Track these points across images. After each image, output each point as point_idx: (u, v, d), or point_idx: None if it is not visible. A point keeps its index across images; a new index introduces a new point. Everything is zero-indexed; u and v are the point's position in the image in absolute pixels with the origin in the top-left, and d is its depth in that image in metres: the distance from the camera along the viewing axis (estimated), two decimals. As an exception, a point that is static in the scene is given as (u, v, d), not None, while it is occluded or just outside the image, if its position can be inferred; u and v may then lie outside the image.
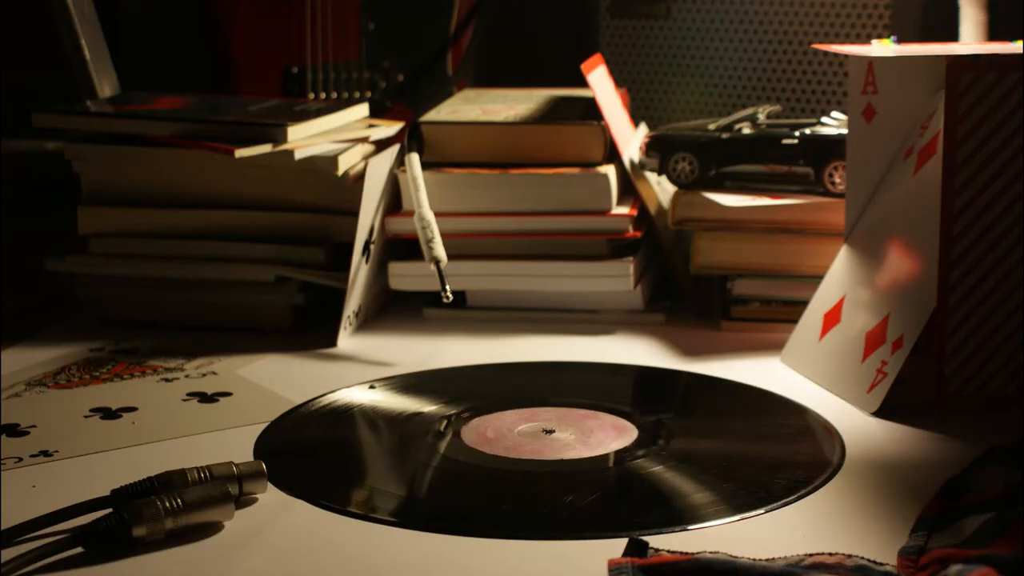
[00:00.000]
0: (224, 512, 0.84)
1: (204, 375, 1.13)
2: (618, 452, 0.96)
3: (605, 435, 0.98)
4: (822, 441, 0.99)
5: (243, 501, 0.87)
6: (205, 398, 1.07)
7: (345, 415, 1.05)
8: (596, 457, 0.95)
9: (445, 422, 1.02)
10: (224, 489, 0.84)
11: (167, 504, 0.81)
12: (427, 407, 1.05)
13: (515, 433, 0.99)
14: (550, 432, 0.99)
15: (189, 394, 1.08)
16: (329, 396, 1.08)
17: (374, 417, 1.05)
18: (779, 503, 0.87)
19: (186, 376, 1.12)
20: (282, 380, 1.13)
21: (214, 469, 0.87)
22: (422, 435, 0.99)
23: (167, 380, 1.11)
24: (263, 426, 1.01)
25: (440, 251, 1.20)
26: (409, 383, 1.11)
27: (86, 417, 1.03)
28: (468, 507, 0.88)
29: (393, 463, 0.98)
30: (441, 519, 0.85)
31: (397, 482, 0.94)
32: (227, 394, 1.08)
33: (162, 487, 0.85)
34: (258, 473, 0.88)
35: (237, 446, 0.98)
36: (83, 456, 0.96)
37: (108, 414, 1.04)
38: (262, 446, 0.98)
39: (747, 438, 1.00)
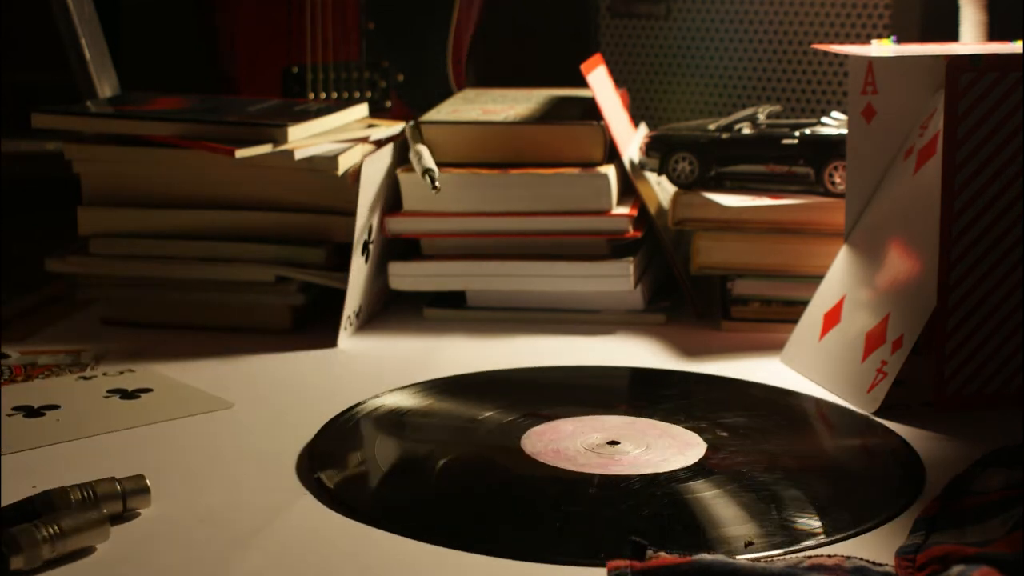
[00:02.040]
0: (101, 534, 0.82)
1: (121, 372, 1.12)
2: (687, 470, 0.91)
3: (672, 448, 0.94)
4: (892, 469, 0.95)
5: (126, 516, 0.86)
6: (126, 395, 1.07)
7: (397, 421, 1.02)
8: (664, 474, 0.90)
9: (507, 431, 0.98)
10: (102, 513, 0.82)
11: (45, 532, 0.79)
12: (484, 412, 1.02)
13: (579, 445, 0.95)
14: (614, 444, 0.95)
15: (110, 391, 1.08)
16: (374, 401, 1.05)
17: (429, 424, 1.02)
18: (829, 541, 0.82)
19: (104, 374, 1.12)
20: (283, 380, 1.13)
21: (97, 487, 0.85)
22: (485, 447, 0.96)
23: (85, 379, 1.11)
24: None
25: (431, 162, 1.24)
26: (459, 385, 1.09)
27: (9, 416, 1.02)
28: (531, 531, 0.84)
29: (448, 477, 0.93)
30: (492, 541, 0.82)
31: (457, 504, 0.89)
32: (148, 390, 1.08)
33: (43, 508, 0.82)
34: (142, 489, 0.86)
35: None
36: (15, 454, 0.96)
37: (31, 412, 1.03)
38: (316, 454, 0.95)
39: (817, 459, 0.96)
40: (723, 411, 1.03)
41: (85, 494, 0.84)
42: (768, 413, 1.04)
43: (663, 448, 0.95)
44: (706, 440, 0.96)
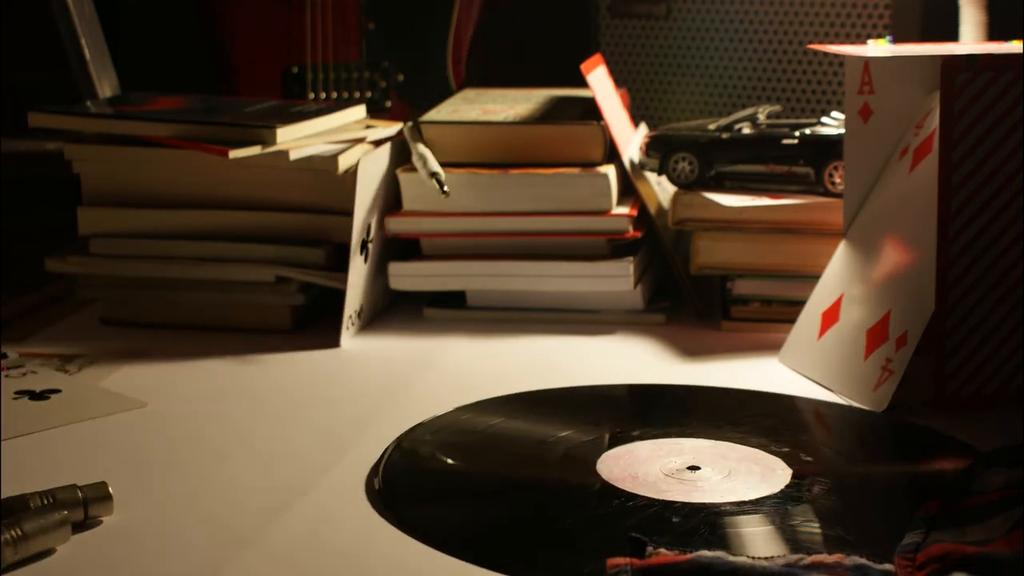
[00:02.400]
0: (62, 536, 0.81)
1: (24, 374, 1.12)
2: (774, 498, 0.87)
3: (755, 475, 0.90)
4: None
5: (88, 524, 0.84)
6: (35, 396, 1.07)
7: (468, 437, 0.98)
8: (750, 502, 0.86)
9: (581, 454, 0.93)
10: (64, 515, 0.81)
11: (9, 535, 0.78)
12: (556, 432, 0.97)
13: (658, 470, 0.90)
14: (695, 469, 0.91)
15: (17, 392, 1.07)
16: (442, 418, 1.02)
17: (500, 445, 0.97)
18: None
19: (6, 375, 1.11)
20: (285, 381, 1.13)
21: (58, 494, 0.83)
22: (560, 471, 0.91)
23: None
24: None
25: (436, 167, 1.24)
26: (529, 402, 1.05)
27: None
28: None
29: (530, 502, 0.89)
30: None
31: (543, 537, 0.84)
32: (56, 391, 1.08)
33: (3, 513, 0.81)
34: (103, 496, 0.85)
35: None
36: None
37: None
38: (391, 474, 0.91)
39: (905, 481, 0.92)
40: (803, 433, 1.00)
41: (45, 500, 0.83)
42: (850, 435, 1.01)
43: (746, 474, 0.90)
44: (791, 465, 0.91)
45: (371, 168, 1.23)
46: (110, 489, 0.85)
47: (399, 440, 0.97)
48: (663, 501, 0.86)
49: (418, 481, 0.92)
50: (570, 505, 0.87)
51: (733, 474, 0.90)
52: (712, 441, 0.96)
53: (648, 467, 0.91)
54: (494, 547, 0.81)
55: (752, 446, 0.95)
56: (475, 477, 0.93)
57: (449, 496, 0.90)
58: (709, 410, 1.06)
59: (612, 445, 0.95)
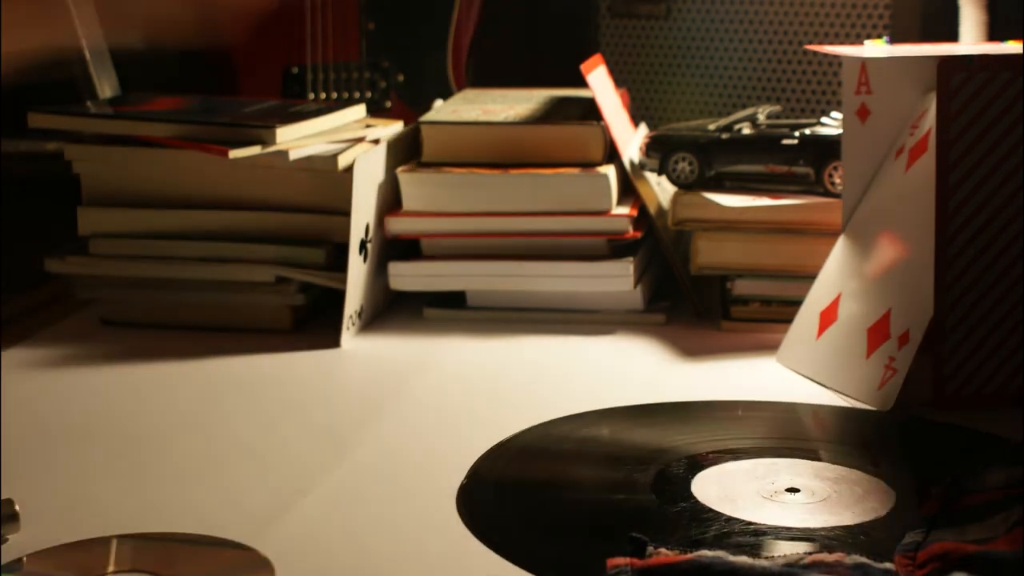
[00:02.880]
0: None
1: None
2: (878, 523, 0.82)
3: (854, 497, 0.86)
4: None
5: None
6: None
7: (558, 453, 0.95)
8: (856, 526, 0.82)
9: (676, 473, 0.89)
10: None
11: None
12: (650, 449, 0.94)
13: (755, 492, 0.86)
14: (794, 491, 0.87)
15: None
16: (536, 430, 0.99)
17: (592, 461, 0.93)
18: None
19: None
20: (285, 381, 1.13)
21: None
22: (653, 492, 0.87)
23: None
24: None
25: None
26: (624, 416, 1.02)
27: None
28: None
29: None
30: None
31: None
32: None
33: None
34: (11, 515, 0.83)
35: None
36: None
37: None
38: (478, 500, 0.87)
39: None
40: (908, 455, 0.96)
41: None
42: (953, 452, 0.96)
43: (846, 495, 0.86)
44: (894, 488, 0.87)
45: (367, 168, 1.23)
46: (16, 507, 0.83)
47: (489, 452, 0.94)
48: (763, 525, 0.82)
49: (504, 497, 0.88)
50: (663, 530, 0.82)
51: (833, 497, 0.86)
52: (809, 461, 0.91)
53: (745, 488, 0.87)
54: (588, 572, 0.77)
55: (850, 467, 0.90)
56: (564, 495, 0.89)
57: (535, 513, 0.86)
58: (803, 427, 1.02)
59: (706, 465, 0.90)
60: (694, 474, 0.89)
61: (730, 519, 0.82)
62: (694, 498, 0.85)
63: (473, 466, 0.92)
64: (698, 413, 1.03)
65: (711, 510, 0.84)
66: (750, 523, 0.82)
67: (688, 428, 0.99)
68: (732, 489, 0.87)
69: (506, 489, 0.90)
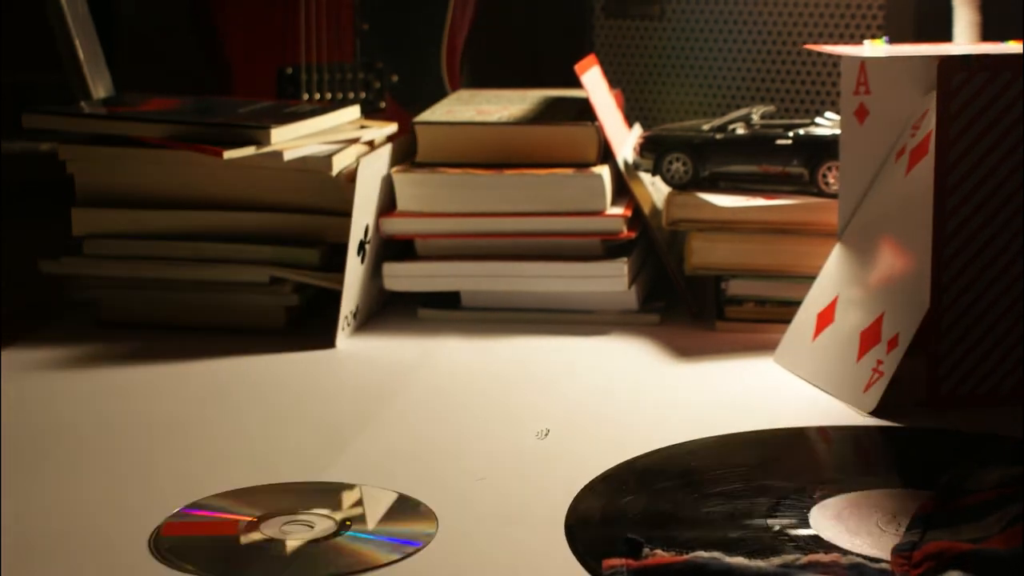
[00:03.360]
0: None
1: None
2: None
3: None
4: None
5: None
6: None
7: (672, 481, 0.91)
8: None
9: (793, 507, 0.85)
10: None
11: None
12: (764, 483, 0.89)
13: (875, 524, 0.83)
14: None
15: None
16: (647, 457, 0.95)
17: (705, 495, 0.89)
18: None
19: None
20: (280, 381, 1.13)
21: None
22: (772, 529, 0.82)
23: None
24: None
25: None
26: (732, 446, 0.98)
27: None
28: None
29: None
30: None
31: None
32: None
33: None
34: None
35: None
36: None
37: None
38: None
39: None
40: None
41: None
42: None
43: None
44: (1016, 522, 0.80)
45: (370, 169, 1.23)
46: None
47: (602, 476, 0.91)
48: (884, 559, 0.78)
49: (614, 524, 0.84)
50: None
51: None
52: (927, 491, 0.87)
53: (862, 522, 0.84)
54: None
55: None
56: (682, 527, 0.84)
57: (649, 542, 0.80)
58: (915, 455, 0.98)
59: (822, 497, 0.87)
60: (811, 506, 0.86)
61: (848, 552, 0.79)
62: (818, 536, 0.82)
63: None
64: (823, 440, 1.00)
65: (830, 544, 0.80)
66: (870, 557, 0.78)
67: (812, 457, 0.97)
68: (851, 523, 0.83)
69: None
